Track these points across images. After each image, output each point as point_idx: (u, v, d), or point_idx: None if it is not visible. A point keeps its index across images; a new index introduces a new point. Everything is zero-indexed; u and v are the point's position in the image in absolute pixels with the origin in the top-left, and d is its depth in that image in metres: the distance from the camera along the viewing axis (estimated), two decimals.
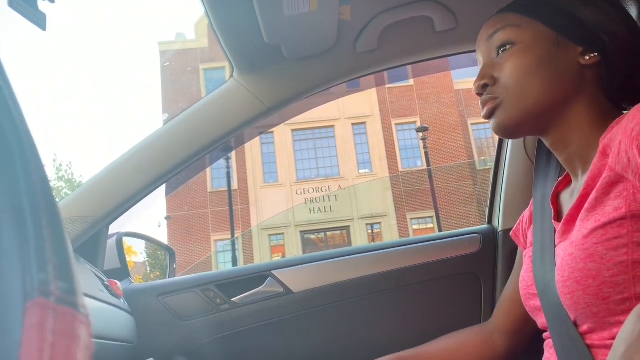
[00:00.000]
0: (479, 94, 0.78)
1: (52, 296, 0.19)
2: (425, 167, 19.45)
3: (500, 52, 0.76)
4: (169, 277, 1.52)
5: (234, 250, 18.95)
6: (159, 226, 22.44)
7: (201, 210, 20.05)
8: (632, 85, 0.73)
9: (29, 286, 0.18)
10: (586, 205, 0.66)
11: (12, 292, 0.18)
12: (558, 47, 0.73)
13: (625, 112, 0.73)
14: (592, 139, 0.71)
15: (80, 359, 0.18)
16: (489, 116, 0.76)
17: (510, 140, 1.30)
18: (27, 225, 0.19)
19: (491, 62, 0.77)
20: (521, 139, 1.27)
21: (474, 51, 0.85)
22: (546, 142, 0.78)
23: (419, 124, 19.96)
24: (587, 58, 0.72)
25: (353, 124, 21.21)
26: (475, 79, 0.79)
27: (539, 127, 0.76)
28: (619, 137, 0.62)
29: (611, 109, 0.74)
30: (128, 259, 1.39)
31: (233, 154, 19.77)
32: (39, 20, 0.51)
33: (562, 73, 0.72)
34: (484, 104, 0.77)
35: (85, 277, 0.99)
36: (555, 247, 0.75)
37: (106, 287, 1.07)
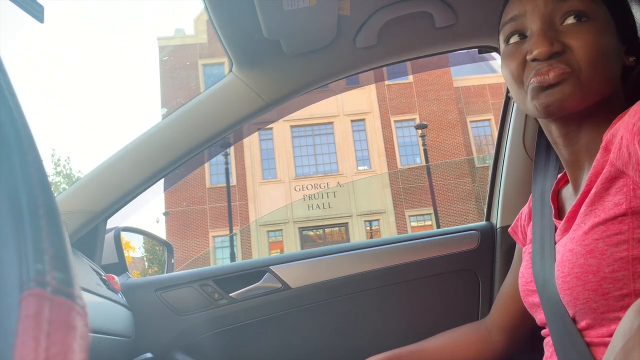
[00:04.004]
0: (546, 61, 0.67)
1: (48, 286, 0.18)
2: (424, 164, 19.47)
3: (568, 20, 0.68)
4: (166, 272, 1.52)
5: (232, 246, 18.95)
6: (157, 222, 22.44)
7: (199, 206, 20.05)
8: None
9: (25, 276, 0.18)
10: (587, 201, 0.66)
11: (9, 282, 0.18)
12: (617, 41, 0.70)
13: None
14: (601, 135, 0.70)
15: (76, 349, 0.18)
16: (557, 81, 0.66)
17: (509, 137, 1.30)
18: (24, 216, 0.19)
19: (554, 26, 0.69)
20: (520, 135, 1.27)
21: (474, 47, 0.84)
22: (559, 131, 0.73)
23: (418, 121, 19.97)
24: (632, 59, 0.71)
25: (352, 121, 21.20)
26: (538, 42, 0.67)
27: (584, 113, 0.69)
28: (621, 132, 0.61)
29: (624, 105, 0.71)
30: (126, 253, 1.39)
31: (232, 150, 19.77)
32: (37, 12, 0.51)
33: (617, 68, 0.70)
34: (551, 68, 0.66)
35: (83, 272, 0.99)
36: (555, 243, 0.74)
37: (104, 281, 1.07)
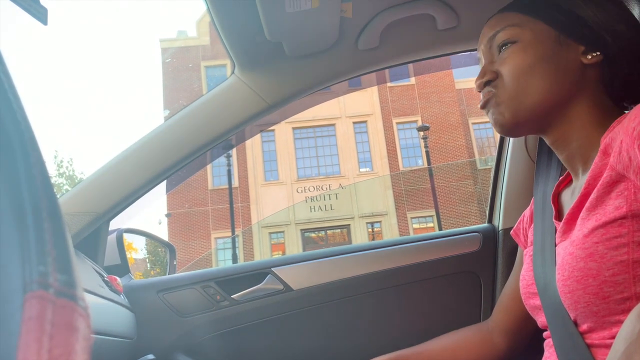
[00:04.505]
0: (481, 91, 0.78)
1: (51, 288, 0.19)
2: (426, 166, 19.46)
3: (502, 50, 0.76)
4: (169, 274, 1.52)
5: (234, 247, 18.97)
6: (160, 223, 22.48)
7: (202, 208, 20.06)
8: (633, 84, 0.73)
9: (28, 278, 0.18)
10: (587, 205, 0.66)
11: (12, 284, 0.18)
12: (560, 45, 0.72)
13: (626, 111, 0.73)
14: (593, 138, 0.71)
15: (78, 350, 0.18)
16: (483, 106, 0.78)
17: (511, 140, 1.30)
18: (26, 218, 0.19)
19: (492, 60, 0.78)
20: (522, 138, 1.27)
21: (476, 49, 0.85)
22: (547, 141, 0.78)
23: (420, 123, 19.96)
24: (589, 57, 0.71)
25: (354, 123, 21.21)
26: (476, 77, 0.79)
27: (540, 126, 0.76)
28: (621, 136, 0.62)
29: (612, 107, 0.74)
30: (128, 255, 1.39)
31: (234, 152, 19.79)
32: (40, 14, 0.51)
33: (563, 72, 0.72)
34: (483, 95, 0.78)
35: (86, 273, 0.99)
36: (555, 246, 0.75)
37: (106, 283, 1.07)
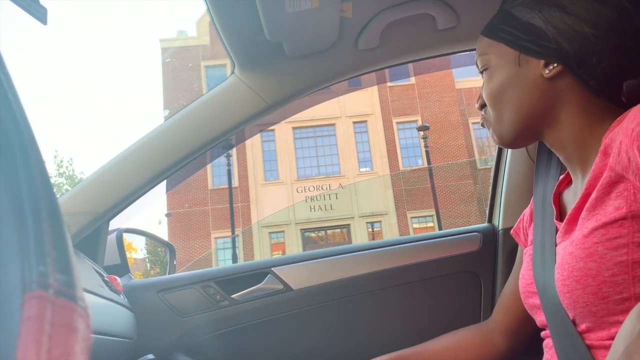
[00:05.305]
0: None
1: (50, 288, 0.19)
2: (426, 165, 19.46)
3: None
4: (168, 274, 1.52)
5: (234, 247, 18.97)
6: (159, 223, 22.51)
7: (202, 208, 20.06)
8: (616, 76, 0.69)
9: (28, 278, 0.18)
10: (587, 205, 0.66)
11: (11, 284, 0.18)
12: (519, 66, 0.73)
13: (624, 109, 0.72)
14: (589, 140, 0.71)
15: (78, 350, 0.18)
16: (482, 125, 0.84)
17: None
18: (26, 218, 0.19)
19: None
20: None
21: (475, 49, 0.85)
22: (546, 143, 0.79)
23: (420, 123, 19.96)
24: (547, 71, 0.71)
25: (354, 122, 21.21)
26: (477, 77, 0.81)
27: (533, 137, 0.78)
28: (620, 136, 0.62)
29: (604, 105, 0.71)
30: (128, 255, 1.39)
31: (234, 152, 19.80)
32: (40, 14, 0.51)
33: (528, 91, 0.73)
34: (480, 117, 0.85)
35: (85, 273, 0.99)
36: (556, 246, 0.74)
37: (106, 282, 1.07)
